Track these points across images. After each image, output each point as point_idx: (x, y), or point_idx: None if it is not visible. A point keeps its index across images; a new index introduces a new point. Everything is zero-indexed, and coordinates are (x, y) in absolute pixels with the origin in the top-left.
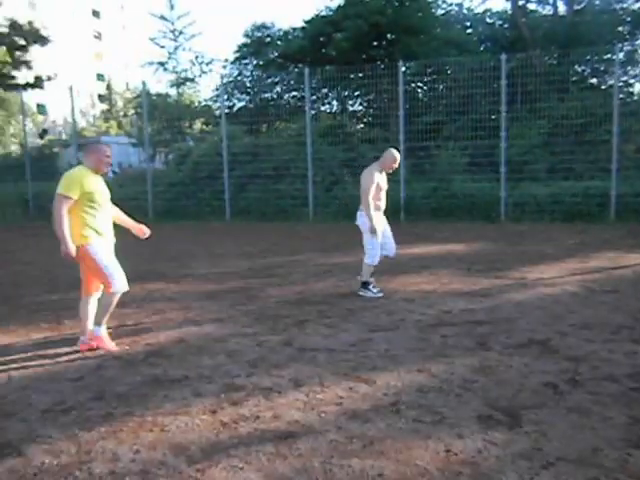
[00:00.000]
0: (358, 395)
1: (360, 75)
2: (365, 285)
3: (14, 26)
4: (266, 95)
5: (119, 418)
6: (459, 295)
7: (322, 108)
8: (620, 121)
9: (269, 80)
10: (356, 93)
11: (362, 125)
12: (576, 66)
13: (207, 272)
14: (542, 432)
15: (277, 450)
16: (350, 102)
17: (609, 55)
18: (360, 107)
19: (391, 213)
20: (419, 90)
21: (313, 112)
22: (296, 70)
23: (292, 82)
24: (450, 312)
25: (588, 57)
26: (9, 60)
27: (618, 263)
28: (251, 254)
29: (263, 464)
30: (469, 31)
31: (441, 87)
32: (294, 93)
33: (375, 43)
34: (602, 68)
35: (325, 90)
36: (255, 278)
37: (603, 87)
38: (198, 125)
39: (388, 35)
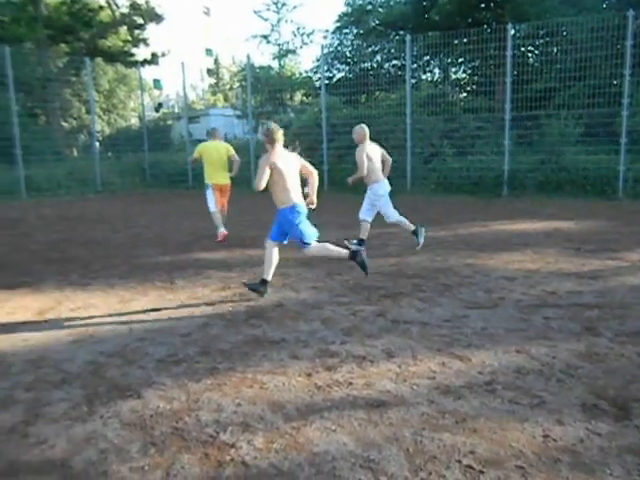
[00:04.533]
0: (451, 371)
1: (465, 41)
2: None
3: (134, 6)
4: (366, 65)
5: (223, 373)
6: (566, 276)
7: (423, 77)
8: None
9: (369, 49)
10: (460, 60)
11: (465, 94)
12: None
13: None
14: None
15: (369, 417)
16: (453, 70)
17: None
18: (464, 75)
19: (492, 187)
20: (529, 55)
21: (414, 81)
22: (397, 38)
23: (392, 50)
24: (555, 293)
25: None
26: (129, 39)
27: None
28: (347, 225)
29: (355, 428)
30: None
31: (555, 50)
32: (394, 62)
33: (482, 5)
34: None
35: (427, 58)
36: None
37: None
38: (298, 97)
39: None
